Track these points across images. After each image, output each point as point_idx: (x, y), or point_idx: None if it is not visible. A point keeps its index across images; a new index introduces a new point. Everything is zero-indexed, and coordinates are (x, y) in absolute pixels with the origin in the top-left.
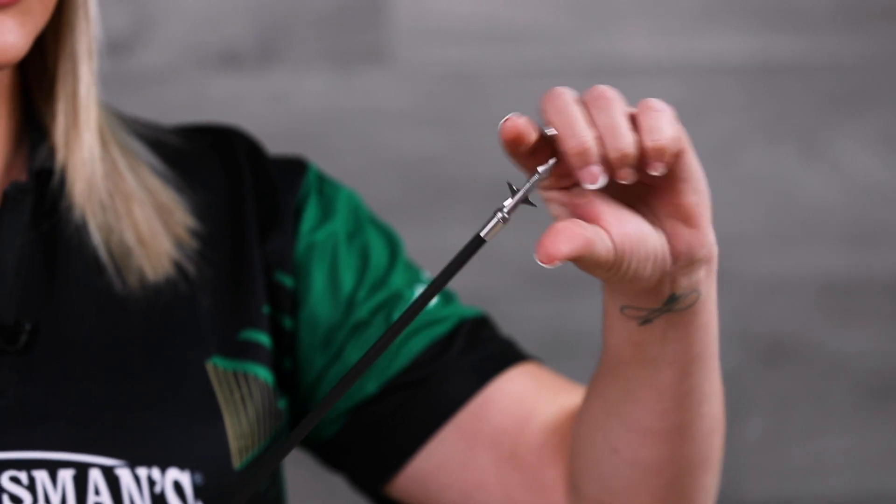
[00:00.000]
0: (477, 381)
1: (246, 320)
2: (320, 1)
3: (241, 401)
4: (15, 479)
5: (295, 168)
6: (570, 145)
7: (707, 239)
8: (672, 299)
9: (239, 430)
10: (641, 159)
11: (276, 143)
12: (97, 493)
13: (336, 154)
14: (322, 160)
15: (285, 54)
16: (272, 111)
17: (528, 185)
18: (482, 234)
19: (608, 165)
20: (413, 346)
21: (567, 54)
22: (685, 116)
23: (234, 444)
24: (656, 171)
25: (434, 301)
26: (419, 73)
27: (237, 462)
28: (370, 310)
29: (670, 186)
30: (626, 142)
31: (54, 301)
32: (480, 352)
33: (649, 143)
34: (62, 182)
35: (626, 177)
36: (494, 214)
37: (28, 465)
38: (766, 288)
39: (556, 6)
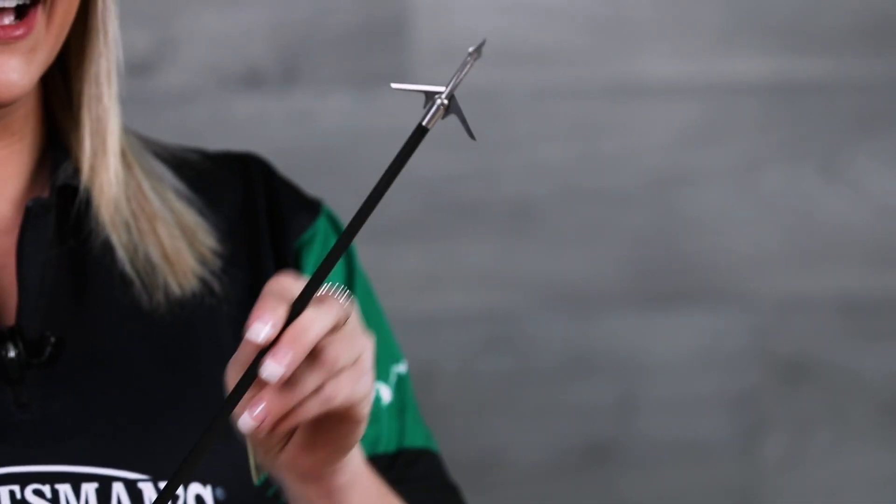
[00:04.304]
0: None
1: None
2: (342, 22)
3: None
4: (38, 493)
5: (309, 208)
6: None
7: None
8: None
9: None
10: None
11: (297, 164)
12: None
13: (357, 174)
14: (344, 180)
15: (307, 75)
16: (294, 132)
17: (461, 70)
18: (424, 124)
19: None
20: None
21: (588, 75)
22: (706, 137)
23: (253, 458)
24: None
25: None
26: None
27: (256, 477)
28: None
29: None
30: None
31: (80, 316)
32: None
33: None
34: (87, 203)
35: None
36: (434, 102)
37: (51, 479)
38: (787, 307)
39: (577, 27)
